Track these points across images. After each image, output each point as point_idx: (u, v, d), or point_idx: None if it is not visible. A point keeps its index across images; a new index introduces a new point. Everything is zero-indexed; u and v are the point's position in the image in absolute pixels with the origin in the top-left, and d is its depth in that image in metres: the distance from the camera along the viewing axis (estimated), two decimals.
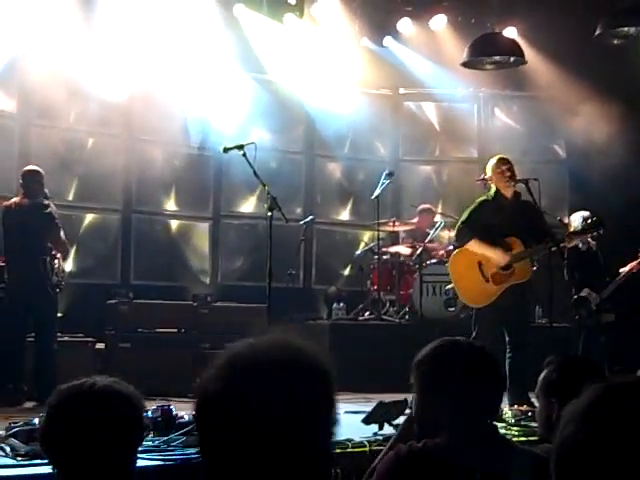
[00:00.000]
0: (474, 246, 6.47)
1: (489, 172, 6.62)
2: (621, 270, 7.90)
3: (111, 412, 2.13)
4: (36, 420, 4.10)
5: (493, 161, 6.67)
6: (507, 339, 6.35)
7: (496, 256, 6.40)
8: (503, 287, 6.43)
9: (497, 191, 6.55)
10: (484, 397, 2.48)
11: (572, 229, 7.75)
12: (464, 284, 6.65)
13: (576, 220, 7.86)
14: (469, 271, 6.53)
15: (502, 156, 6.77)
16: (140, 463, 4.15)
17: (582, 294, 7.84)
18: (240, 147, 6.15)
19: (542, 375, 2.97)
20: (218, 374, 1.35)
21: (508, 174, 6.48)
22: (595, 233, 6.73)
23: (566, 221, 8.15)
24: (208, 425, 1.35)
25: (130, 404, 2.18)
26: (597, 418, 1.14)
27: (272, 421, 1.29)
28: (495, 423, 2.62)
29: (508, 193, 6.54)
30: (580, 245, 7.91)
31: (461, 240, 6.59)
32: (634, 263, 7.86)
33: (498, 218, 6.47)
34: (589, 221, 7.75)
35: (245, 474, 1.30)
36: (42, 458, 3.66)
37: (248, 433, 1.29)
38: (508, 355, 6.25)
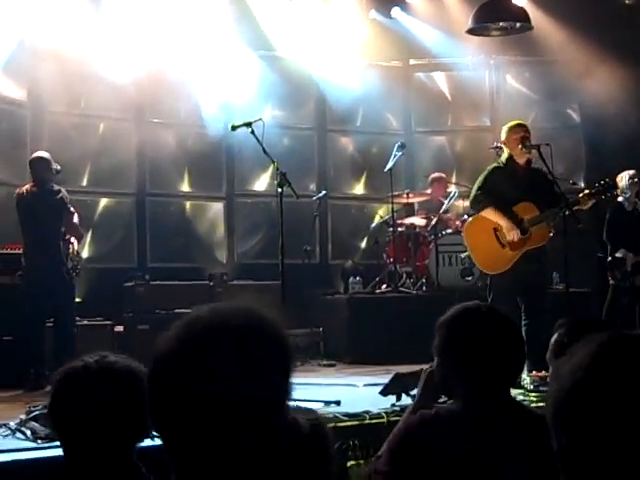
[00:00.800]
0: (490, 213, 6.43)
1: (504, 137, 6.54)
2: None
3: (119, 388, 2.13)
4: None
5: (509, 126, 6.57)
6: (523, 306, 6.31)
7: (506, 229, 6.36)
8: (520, 252, 6.39)
9: (510, 157, 6.48)
10: (501, 364, 2.43)
11: (620, 189, 7.75)
12: (480, 251, 6.62)
13: (623, 179, 7.85)
14: (485, 238, 6.49)
15: (519, 121, 6.65)
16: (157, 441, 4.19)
17: (618, 255, 7.76)
18: (248, 124, 6.13)
19: (553, 338, 2.95)
20: (175, 334, 1.34)
21: (523, 140, 6.41)
22: (606, 196, 6.62)
23: (582, 184, 8.09)
24: (160, 384, 1.33)
25: (139, 381, 2.17)
26: (603, 368, 1.13)
27: (223, 383, 1.28)
28: (512, 390, 2.58)
29: (521, 160, 6.46)
30: (626, 204, 7.87)
31: (477, 207, 6.54)
32: None
33: (511, 185, 6.42)
34: (636, 179, 7.74)
35: (194, 439, 1.29)
36: None
37: (198, 395, 1.27)
38: (524, 322, 6.19)
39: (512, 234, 6.34)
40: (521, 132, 6.44)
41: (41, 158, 7.14)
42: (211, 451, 1.30)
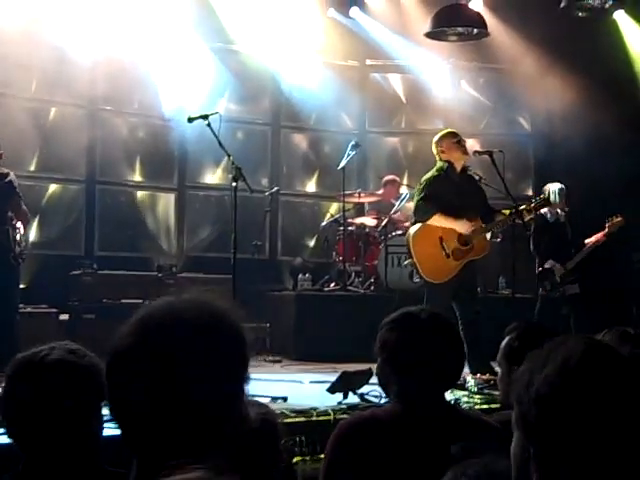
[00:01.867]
0: (438, 220, 6.48)
1: (441, 144, 6.61)
2: (587, 241, 7.96)
3: (66, 383, 2.09)
4: None
5: (444, 133, 6.71)
6: (458, 312, 6.40)
7: (460, 227, 6.45)
8: (463, 263, 6.51)
9: (449, 165, 6.56)
10: (437, 368, 2.48)
11: (548, 198, 7.89)
12: (426, 259, 6.61)
13: (553, 193, 7.94)
14: (431, 247, 6.54)
15: (452, 130, 6.82)
16: (106, 432, 4.15)
17: (546, 266, 7.89)
18: (205, 117, 6.09)
19: (504, 342, 3.00)
20: (130, 330, 1.35)
21: (462, 142, 6.58)
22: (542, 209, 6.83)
23: (530, 193, 8.21)
24: (116, 380, 1.35)
25: (87, 373, 2.13)
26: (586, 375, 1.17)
27: (179, 377, 1.29)
28: (453, 392, 2.63)
29: (459, 166, 6.58)
30: (548, 216, 7.98)
31: (423, 215, 6.54)
32: (600, 234, 7.93)
33: (453, 192, 6.50)
34: (564, 191, 7.87)
35: (151, 431, 1.31)
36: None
37: (154, 389, 1.29)
38: (461, 328, 6.25)
39: (467, 228, 6.43)
40: (457, 137, 6.60)
41: None
42: (169, 443, 1.30)
